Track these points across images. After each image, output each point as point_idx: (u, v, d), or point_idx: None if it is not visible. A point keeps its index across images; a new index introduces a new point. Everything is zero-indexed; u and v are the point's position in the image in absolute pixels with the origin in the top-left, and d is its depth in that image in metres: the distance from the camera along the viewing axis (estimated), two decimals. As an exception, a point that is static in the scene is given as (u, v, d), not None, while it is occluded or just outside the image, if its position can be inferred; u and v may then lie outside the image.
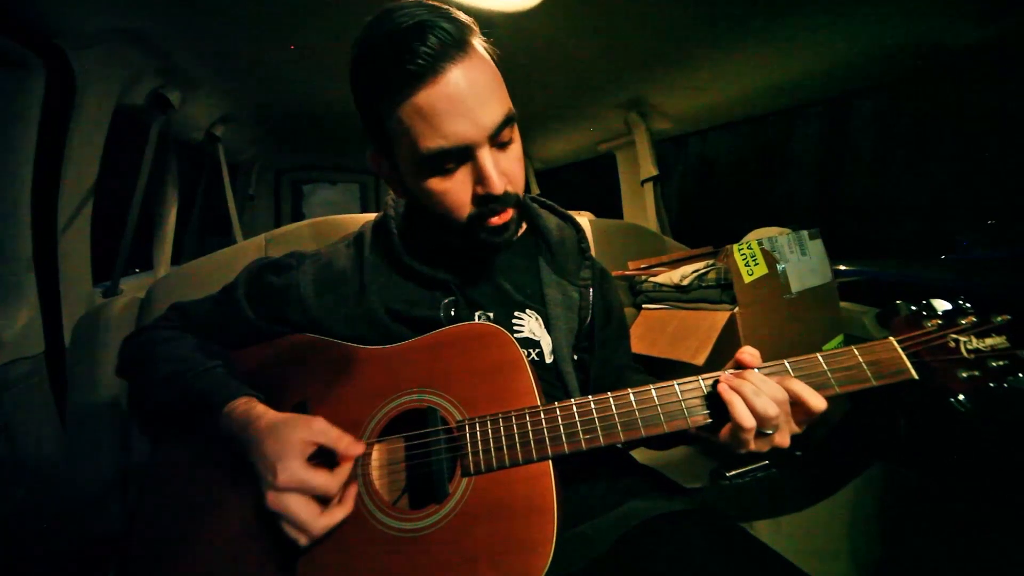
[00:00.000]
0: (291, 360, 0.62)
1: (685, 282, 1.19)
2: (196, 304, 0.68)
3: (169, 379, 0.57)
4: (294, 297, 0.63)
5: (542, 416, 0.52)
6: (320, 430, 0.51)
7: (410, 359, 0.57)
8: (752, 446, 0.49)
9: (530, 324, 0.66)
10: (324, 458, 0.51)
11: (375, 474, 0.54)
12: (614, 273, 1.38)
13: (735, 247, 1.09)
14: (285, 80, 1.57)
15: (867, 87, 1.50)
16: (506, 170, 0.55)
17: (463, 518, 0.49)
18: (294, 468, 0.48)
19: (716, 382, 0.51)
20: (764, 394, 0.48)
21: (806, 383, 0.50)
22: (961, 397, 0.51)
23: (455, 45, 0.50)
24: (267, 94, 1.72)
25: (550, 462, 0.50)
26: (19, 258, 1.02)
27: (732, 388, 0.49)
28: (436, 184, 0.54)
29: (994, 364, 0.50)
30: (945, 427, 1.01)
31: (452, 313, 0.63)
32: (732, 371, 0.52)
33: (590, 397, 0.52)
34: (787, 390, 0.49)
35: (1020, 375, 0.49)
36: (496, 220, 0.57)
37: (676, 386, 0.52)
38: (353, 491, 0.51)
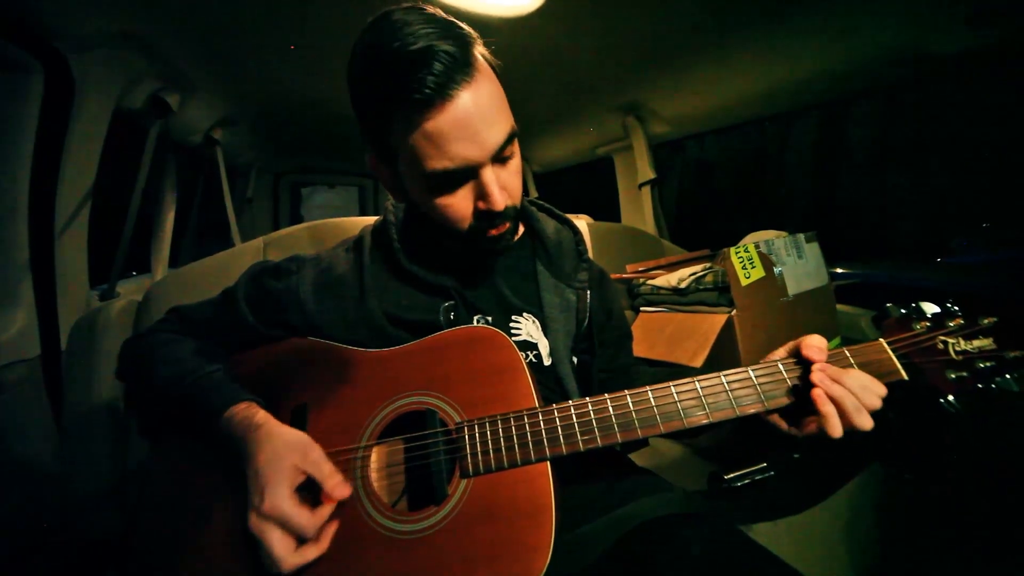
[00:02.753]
0: (290, 364, 0.62)
1: (683, 285, 1.19)
2: (196, 307, 0.68)
3: (168, 382, 0.57)
4: (294, 301, 0.63)
5: (540, 418, 0.52)
6: (314, 461, 0.51)
7: (409, 362, 0.58)
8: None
9: (527, 327, 0.66)
10: (311, 489, 0.51)
11: (374, 476, 0.54)
12: (612, 276, 1.39)
13: (732, 250, 1.10)
14: (284, 83, 1.57)
15: (862, 91, 1.51)
16: (506, 184, 0.57)
17: (462, 520, 0.49)
18: (279, 498, 0.48)
19: (806, 384, 0.49)
20: (865, 410, 0.47)
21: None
22: (950, 398, 0.51)
23: (460, 69, 0.50)
24: (266, 97, 1.72)
25: (548, 464, 0.51)
26: (16, 261, 1.02)
27: (831, 398, 0.48)
28: (439, 200, 0.56)
29: (981, 365, 0.51)
30: (936, 427, 1.01)
31: (451, 317, 0.63)
32: (828, 369, 0.50)
33: (588, 399, 0.53)
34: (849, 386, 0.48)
35: (1007, 376, 0.50)
36: (494, 232, 0.59)
37: (672, 388, 0.52)
38: (331, 531, 0.50)
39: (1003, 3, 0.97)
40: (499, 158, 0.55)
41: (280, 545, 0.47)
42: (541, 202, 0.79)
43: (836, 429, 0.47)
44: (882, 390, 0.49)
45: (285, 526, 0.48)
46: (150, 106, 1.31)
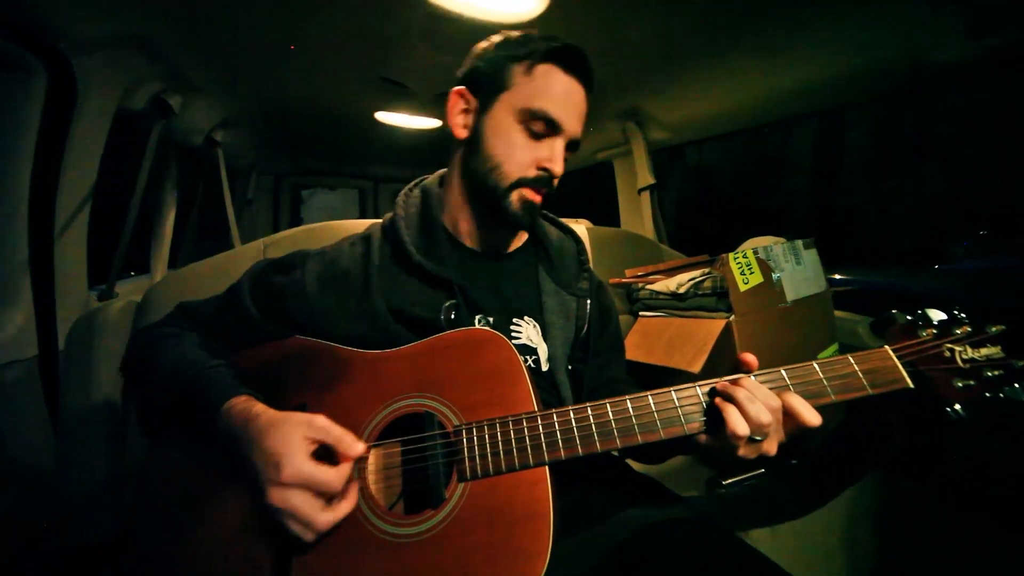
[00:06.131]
0: (290, 364, 0.62)
1: (681, 290, 1.19)
2: (202, 303, 0.68)
3: (170, 375, 0.57)
4: (297, 293, 0.63)
5: (539, 422, 0.52)
6: (321, 427, 0.51)
7: (409, 363, 0.57)
8: (740, 452, 0.50)
9: (527, 331, 0.66)
10: (324, 457, 0.50)
11: (371, 478, 0.54)
12: (611, 281, 1.39)
13: (731, 256, 1.10)
14: (286, 85, 1.58)
15: (861, 99, 1.52)
16: (561, 164, 0.66)
17: (459, 524, 0.49)
18: (299, 463, 0.47)
19: (713, 390, 0.51)
20: (758, 400, 0.48)
21: (802, 391, 0.50)
22: (957, 407, 0.51)
23: (590, 73, 0.66)
24: (267, 99, 1.72)
25: (547, 468, 0.50)
26: (15, 260, 1.01)
27: (728, 395, 0.49)
28: (516, 136, 0.63)
29: (989, 374, 0.50)
30: (940, 436, 1.01)
31: (452, 316, 0.63)
32: (728, 378, 0.52)
33: (587, 404, 0.52)
34: (784, 403, 0.49)
35: (1015, 385, 0.49)
36: (531, 195, 0.64)
37: (673, 393, 0.52)
38: (356, 487, 0.51)
39: (1001, 13, 0.98)
40: (570, 145, 0.66)
41: (309, 506, 0.47)
42: (543, 210, 0.79)
43: (737, 422, 0.47)
44: (776, 402, 0.49)
45: (310, 487, 0.47)
46: (152, 107, 1.31)
